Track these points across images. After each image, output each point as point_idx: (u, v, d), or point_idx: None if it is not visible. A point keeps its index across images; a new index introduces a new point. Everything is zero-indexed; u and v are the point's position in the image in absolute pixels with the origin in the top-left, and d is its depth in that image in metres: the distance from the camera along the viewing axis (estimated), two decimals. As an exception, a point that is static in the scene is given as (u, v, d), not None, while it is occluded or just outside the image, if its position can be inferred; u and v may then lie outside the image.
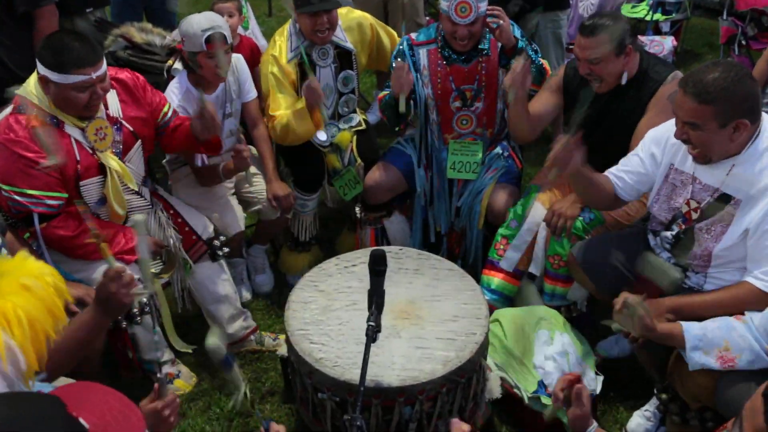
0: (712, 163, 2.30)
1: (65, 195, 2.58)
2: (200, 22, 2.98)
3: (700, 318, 2.21)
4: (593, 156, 3.02)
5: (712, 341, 2.13)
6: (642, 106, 2.84)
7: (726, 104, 2.15)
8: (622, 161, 2.63)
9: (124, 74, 2.77)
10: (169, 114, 2.92)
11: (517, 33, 3.25)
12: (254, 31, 4.27)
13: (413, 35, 3.33)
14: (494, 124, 3.38)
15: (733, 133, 2.20)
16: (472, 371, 2.37)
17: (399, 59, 3.25)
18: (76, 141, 2.57)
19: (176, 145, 2.98)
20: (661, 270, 2.47)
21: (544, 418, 2.26)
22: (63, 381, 1.95)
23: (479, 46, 3.22)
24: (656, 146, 2.50)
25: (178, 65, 3.22)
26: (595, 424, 2.06)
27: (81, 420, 1.30)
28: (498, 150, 3.40)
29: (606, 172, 2.64)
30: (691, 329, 2.17)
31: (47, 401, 1.30)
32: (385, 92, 3.33)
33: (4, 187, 2.49)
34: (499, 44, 3.20)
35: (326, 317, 2.49)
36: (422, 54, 3.28)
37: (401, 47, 3.32)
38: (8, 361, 1.54)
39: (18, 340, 1.57)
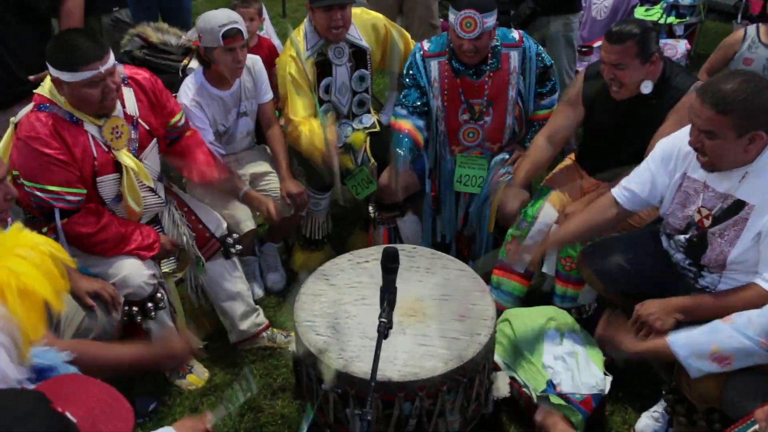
0: (723, 171, 2.31)
1: (84, 191, 2.62)
2: (217, 17, 3.04)
3: (709, 319, 2.22)
4: (610, 162, 3.03)
5: (700, 346, 2.13)
6: (662, 115, 2.83)
7: (744, 115, 2.14)
8: (632, 173, 2.64)
9: (142, 75, 2.80)
10: (181, 123, 2.94)
11: (533, 46, 3.28)
12: (269, 32, 4.31)
13: (425, 45, 3.34)
14: (501, 139, 3.39)
15: (748, 144, 2.20)
16: (474, 372, 2.38)
17: (411, 71, 3.29)
18: (93, 137, 2.61)
19: (176, 166, 3.04)
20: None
21: None
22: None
23: (489, 61, 3.22)
24: (667, 157, 2.51)
25: (193, 64, 3.26)
26: None
27: (68, 414, 1.29)
28: (504, 155, 3.40)
29: (615, 188, 2.66)
30: (676, 340, 2.18)
31: (31, 397, 1.29)
32: (403, 123, 3.29)
33: (27, 183, 2.53)
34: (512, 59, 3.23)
35: (334, 310, 2.52)
36: (433, 66, 3.29)
37: (413, 59, 3.33)
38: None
39: (12, 308, 1.57)
